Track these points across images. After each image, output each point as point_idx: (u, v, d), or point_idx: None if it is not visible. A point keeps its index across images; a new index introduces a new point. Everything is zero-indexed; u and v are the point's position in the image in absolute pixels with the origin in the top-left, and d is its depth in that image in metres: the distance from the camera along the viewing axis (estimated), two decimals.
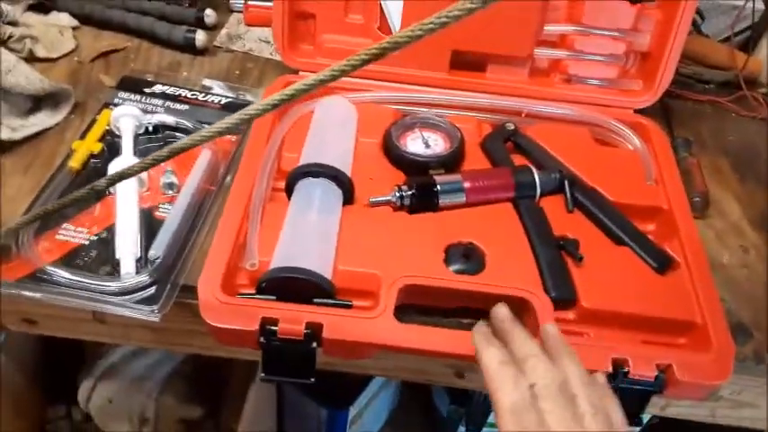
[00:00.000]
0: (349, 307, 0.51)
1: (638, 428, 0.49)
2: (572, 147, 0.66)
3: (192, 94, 0.72)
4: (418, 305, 0.55)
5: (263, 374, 0.52)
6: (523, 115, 0.70)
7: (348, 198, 0.59)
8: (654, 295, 0.55)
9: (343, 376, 0.72)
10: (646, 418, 0.50)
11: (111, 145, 0.64)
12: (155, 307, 0.52)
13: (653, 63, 0.70)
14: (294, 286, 0.50)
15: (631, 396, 0.50)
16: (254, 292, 0.51)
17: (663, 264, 0.57)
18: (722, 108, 0.81)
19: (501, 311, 0.46)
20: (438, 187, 0.59)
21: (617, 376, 0.49)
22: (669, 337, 0.54)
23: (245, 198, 0.57)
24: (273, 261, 0.52)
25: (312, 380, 0.52)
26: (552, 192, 0.62)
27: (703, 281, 0.56)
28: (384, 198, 0.59)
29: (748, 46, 0.88)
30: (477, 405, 0.92)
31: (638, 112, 0.71)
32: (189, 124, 0.67)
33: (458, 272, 0.55)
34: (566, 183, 0.62)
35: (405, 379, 0.94)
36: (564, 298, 0.54)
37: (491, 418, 0.95)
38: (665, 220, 0.61)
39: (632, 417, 0.51)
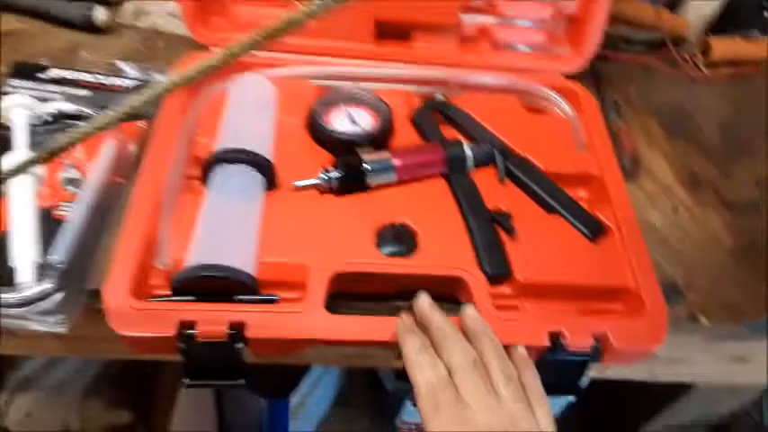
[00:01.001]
0: (275, 302, 0.48)
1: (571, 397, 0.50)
2: (502, 116, 0.65)
3: (95, 78, 0.66)
4: (352, 292, 0.53)
5: (186, 380, 0.48)
6: (452, 85, 0.67)
7: (270, 183, 0.55)
8: (587, 263, 0.54)
9: (282, 366, 0.70)
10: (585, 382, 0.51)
11: (2, 139, 0.58)
12: (61, 317, 0.48)
13: (580, 27, 0.69)
14: (213, 284, 0.47)
15: (570, 367, 0.50)
16: (169, 293, 0.47)
17: (595, 231, 0.57)
18: (651, 68, 0.81)
19: (420, 300, 0.48)
20: (366, 167, 0.56)
21: (555, 349, 0.48)
22: (604, 303, 0.54)
23: (155, 190, 0.52)
24: (188, 258, 0.48)
25: (242, 381, 0.49)
26: (484, 164, 0.60)
27: (635, 246, 0.55)
28: (309, 181, 0.56)
29: (673, 5, 0.88)
30: None
31: (567, 77, 0.70)
32: (91, 111, 0.61)
33: (390, 254, 0.52)
34: (497, 154, 0.60)
35: (345, 366, 0.92)
36: (499, 273, 0.52)
37: None
38: (596, 186, 0.60)
39: (572, 385, 0.51)
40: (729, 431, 0.86)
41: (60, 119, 0.61)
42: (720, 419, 0.84)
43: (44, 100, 0.62)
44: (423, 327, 0.46)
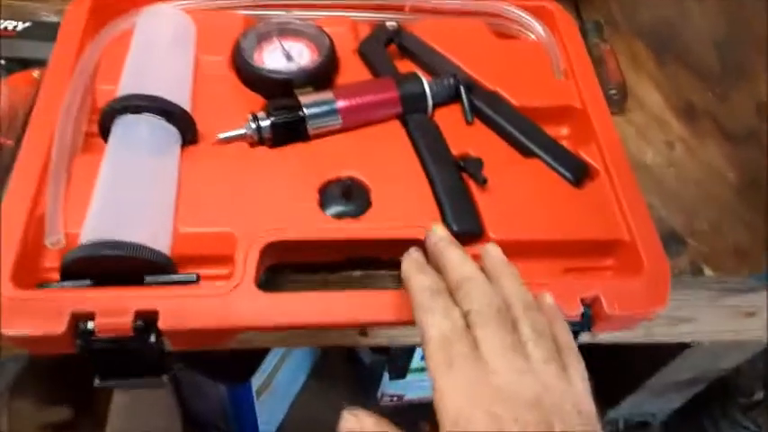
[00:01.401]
0: (194, 282, 0.39)
1: None
2: (467, 44, 0.55)
3: None
4: (295, 263, 0.44)
5: (96, 380, 0.40)
6: (407, 9, 0.57)
7: (187, 137, 0.46)
8: (572, 214, 0.46)
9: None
10: None
11: None
12: None
13: None
14: (115, 265, 0.38)
15: None
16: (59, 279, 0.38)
17: (579, 174, 0.48)
18: None
19: (435, 232, 0.38)
20: (305, 111, 0.47)
21: None
22: (594, 259, 0.46)
23: (43, 151, 0.42)
24: (83, 233, 0.39)
25: (164, 378, 0.40)
26: (447, 101, 0.51)
27: (627, 189, 0.47)
28: (236, 132, 0.46)
29: None
30: (397, 352, 0.84)
31: None
32: None
33: (337, 216, 0.44)
34: (462, 89, 0.51)
35: (302, 346, 0.84)
36: (468, 231, 0.44)
37: (414, 364, 0.88)
38: (578, 121, 0.52)
39: None
40: (735, 383, 0.82)
41: None
42: (725, 372, 0.78)
43: None
44: (436, 268, 0.37)
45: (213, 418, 0.82)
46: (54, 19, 0.56)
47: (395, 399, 0.99)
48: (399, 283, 0.45)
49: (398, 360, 0.87)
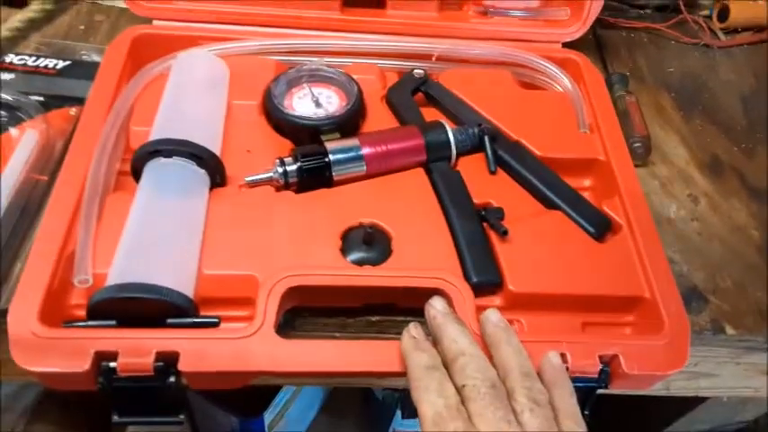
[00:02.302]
0: (215, 325, 0.40)
1: None
2: (492, 93, 0.56)
3: (21, 59, 0.57)
4: (313, 307, 0.45)
5: (114, 417, 0.40)
6: (434, 59, 0.58)
7: (217, 180, 0.47)
8: (593, 268, 0.46)
9: None
10: None
11: None
12: None
13: None
14: (139, 306, 0.38)
15: None
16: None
17: (602, 228, 0.48)
18: (660, 35, 0.72)
19: (434, 306, 0.39)
20: (330, 157, 0.48)
21: None
22: (614, 315, 0.46)
23: (77, 189, 0.44)
24: (110, 274, 0.40)
25: (181, 417, 0.41)
26: (471, 150, 0.52)
27: (649, 245, 0.47)
28: (263, 175, 0.47)
29: None
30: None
31: (566, 46, 0.61)
32: (10, 97, 0.52)
33: (357, 262, 0.44)
34: (486, 138, 0.51)
35: (316, 385, 0.84)
36: (487, 282, 0.44)
37: None
38: (602, 174, 0.52)
39: None
40: None
41: None
42: (743, 425, 0.76)
43: None
44: (434, 340, 0.38)
45: None
46: (94, 58, 0.58)
47: None
48: None
49: (412, 401, 0.86)
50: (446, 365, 0.36)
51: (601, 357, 0.40)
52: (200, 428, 0.80)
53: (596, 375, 0.40)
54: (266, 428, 0.79)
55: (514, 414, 0.33)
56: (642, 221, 0.48)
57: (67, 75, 0.57)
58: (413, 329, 0.38)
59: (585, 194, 0.51)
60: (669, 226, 0.53)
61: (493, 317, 0.39)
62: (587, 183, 0.53)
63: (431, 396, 0.34)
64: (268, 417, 0.77)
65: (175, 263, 0.41)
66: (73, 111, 0.53)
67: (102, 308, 0.38)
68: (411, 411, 0.88)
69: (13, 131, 0.50)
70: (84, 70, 0.56)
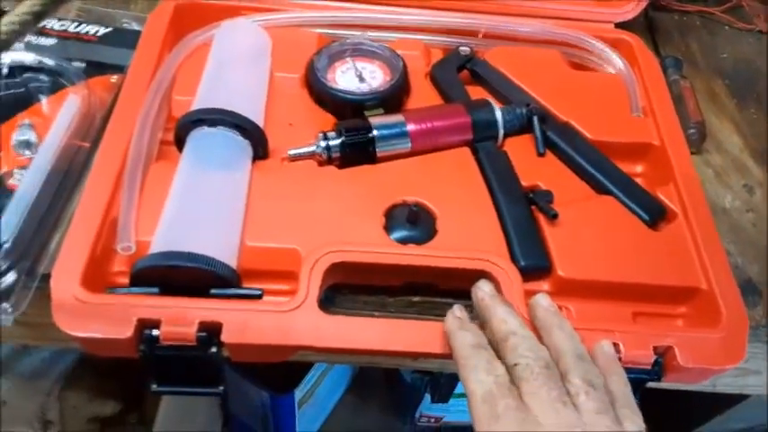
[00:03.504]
0: (258, 297, 0.39)
1: None
2: (541, 73, 0.54)
3: (62, 25, 0.56)
4: (355, 284, 0.44)
5: (153, 386, 0.40)
6: (481, 35, 0.56)
7: (260, 152, 0.46)
8: (646, 256, 0.44)
9: None
10: None
11: None
12: (7, 305, 0.40)
13: None
14: (182, 275, 0.38)
15: None
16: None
17: (656, 215, 0.46)
18: (715, 20, 0.69)
19: (481, 288, 0.38)
20: (375, 132, 0.47)
21: None
22: (666, 306, 0.44)
23: (119, 157, 0.43)
24: (154, 242, 0.39)
25: (220, 389, 0.40)
26: (518, 131, 0.50)
27: (706, 234, 0.45)
28: (306, 149, 0.46)
29: None
30: (442, 376, 0.83)
31: (618, 26, 0.58)
32: (52, 63, 0.52)
33: (401, 240, 0.43)
34: (534, 119, 0.50)
35: (353, 363, 0.83)
36: (535, 266, 0.43)
37: (459, 389, 0.86)
38: (656, 159, 0.50)
39: None
40: None
41: (19, 71, 0.52)
42: None
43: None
44: (481, 323, 0.37)
45: (253, 421, 0.82)
46: (134, 27, 0.58)
47: (432, 420, 0.97)
48: None
49: (443, 385, 0.85)
50: (495, 347, 0.34)
51: (655, 348, 0.39)
52: (231, 402, 0.80)
53: (650, 367, 0.39)
54: (296, 405, 0.79)
55: (569, 396, 0.32)
56: (698, 210, 0.46)
57: (108, 42, 0.56)
58: (457, 311, 0.37)
59: (638, 180, 0.49)
60: (724, 216, 0.51)
61: (543, 301, 0.38)
62: (639, 168, 0.51)
63: (480, 374, 0.32)
64: (298, 394, 0.77)
65: (219, 233, 0.40)
66: (114, 78, 0.53)
67: (145, 275, 0.38)
68: (441, 395, 0.87)
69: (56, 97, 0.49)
70: (125, 38, 0.56)
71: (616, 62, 0.54)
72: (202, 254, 0.37)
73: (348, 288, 0.44)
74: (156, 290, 0.38)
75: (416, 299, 0.44)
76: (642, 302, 0.43)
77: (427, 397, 0.89)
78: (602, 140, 0.50)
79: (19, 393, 0.63)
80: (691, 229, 0.45)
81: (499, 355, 0.34)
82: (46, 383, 0.63)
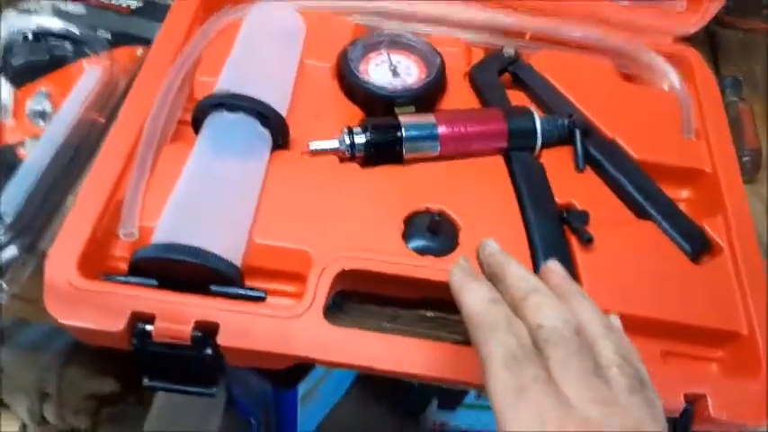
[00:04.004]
0: (261, 300, 0.37)
1: None
2: (589, 82, 0.50)
3: None
4: (367, 293, 0.41)
5: (145, 380, 0.38)
6: (528, 37, 0.53)
7: (281, 141, 0.43)
8: (684, 292, 0.40)
9: None
10: None
11: None
12: (2, 281, 0.38)
13: None
14: (183, 269, 0.35)
15: None
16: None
17: (699, 247, 0.43)
18: None
19: (488, 244, 0.32)
20: (403, 132, 0.44)
21: None
22: (700, 348, 0.40)
23: (133, 136, 0.41)
24: (157, 230, 0.37)
25: (213, 390, 0.38)
26: (558, 142, 0.47)
27: (752, 274, 0.41)
28: (329, 145, 0.44)
29: None
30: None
31: (678, 40, 0.54)
32: (77, 31, 0.50)
33: (419, 250, 0.40)
34: (577, 132, 0.46)
35: (355, 370, 0.81)
36: None
37: (468, 400, 0.83)
38: (706, 187, 0.46)
39: None
40: None
41: (44, 38, 0.51)
42: None
43: (27, 12, 0.51)
44: (494, 279, 0.31)
45: (254, 410, 0.81)
46: (169, 1, 0.55)
47: (437, 424, 0.94)
48: None
49: (451, 394, 0.82)
50: (513, 305, 0.28)
51: (686, 396, 0.35)
52: (233, 384, 0.79)
53: (677, 415, 0.35)
54: (299, 400, 0.77)
55: (601, 369, 0.26)
56: (747, 246, 0.42)
57: (141, 15, 0.54)
58: (464, 262, 0.31)
59: (683, 207, 0.45)
60: None
61: (555, 267, 0.31)
62: (685, 194, 0.47)
63: (499, 333, 0.26)
64: (302, 388, 0.75)
65: (226, 227, 0.38)
66: (140, 51, 0.51)
67: (143, 266, 0.36)
68: (450, 403, 0.84)
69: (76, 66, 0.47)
70: (159, 12, 0.53)
71: (672, 77, 0.50)
72: (205, 249, 0.35)
73: (359, 295, 0.41)
74: (154, 282, 0.36)
75: (430, 314, 0.42)
76: (674, 341, 0.40)
77: (434, 403, 0.86)
78: (649, 161, 0.46)
79: (18, 364, 0.62)
80: (736, 266, 0.41)
81: (519, 316, 0.28)
82: (46, 356, 0.62)
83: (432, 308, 0.41)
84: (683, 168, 0.46)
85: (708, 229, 0.43)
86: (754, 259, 0.42)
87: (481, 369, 0.26)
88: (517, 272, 0.29)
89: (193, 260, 0.35)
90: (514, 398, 0.24)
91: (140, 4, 0.55)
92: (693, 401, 0.36)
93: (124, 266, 0.38)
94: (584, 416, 0.24)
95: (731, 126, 0.49)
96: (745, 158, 0.50)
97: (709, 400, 0.35)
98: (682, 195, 0.47)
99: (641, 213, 0.44)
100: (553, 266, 0.31)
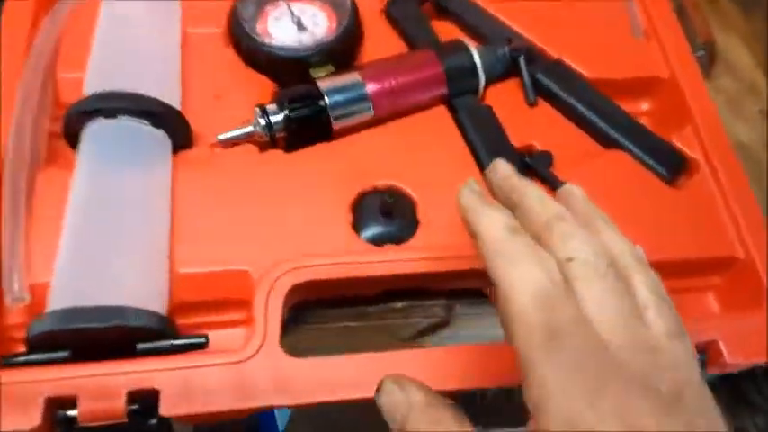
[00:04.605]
0: (201, 346, 0.30)
1: None
2: None
3: None
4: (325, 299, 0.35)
5: None
6: None
7: (181, 141, 0.36)
8: (667, 220, 0.37)
9: None
10: None
11: None
12: None
13: None
14: (96, 334, 0.28)
15: None
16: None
17: (675, 167, 0.39)
18: None
19: (501, 165, 0.27)
20: (326, 99, 0.37)
21: None
22: (698, 281, 0.37)
23: None
24: (52, 290, 0.30)
25: None
26: (501, 77, 0.41)
27: (737, 187, 0.38)
28: (241, 131, 0.36)
29: None
30: None
31: None
32: None
33: (375, 240, 0.34)
34: (521, 60, 0.40)
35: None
36: None
37: None
38: (666, 95, 0.42)
39: None
40: None
41: None
42: None
43: None
44: (509, 205, 0.26)
45: None
46: None
47: None
48: (450, 312, 0.38)
49: None
50: (534, 234, 0.24)
51: (697, 345, 0.32)
52: None
53: None
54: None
55: (637, 308, 0.22)
56: (724, 155, 0.39)
57: None
58: (474, 184, 0.26)
59: (645, 122, 0.41)
60: (741, 152, 0.44)
61: (577, 191, 0.27)
62: (646, 107, 0.43)
63: (526, 265, 0.22)
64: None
65: (139, 265, 0.31)
66: None
67: (46, 339, 0.29)
68: None
69: None
70: None
71: None
72: (118, 305, 0.28)
73: (316, 303, 0.35)
74: (65, 354, 0.29)
75: (400, 304, 0.36)
76: (667, 280, 0.36)
77: None
78: (602, 77, 0.41)
79: None
80: (718, 181, 0.38)
81: (544, 246, 0.24)
82: None
83: (400, 298, 0.36)
84: (640, 79, 0.41)
85: (678, 144, 0.39)
86: (735, 169, 0.38)
87: (499, 306, 0.22)
88: (538, 196, 0.25)
89: (106, 324, 0.28)
90: (548, 346, 0.21)
91: None
92: (704, 350, 0.33)
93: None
94: (628, 364, 0.20)
95: (678, 19, 0.44)
96: (700, 53, 0.45)
97: (721, 345, 0.32)
98: (642, 108, 0.42)
99: (606, 141, 0.39)
100: (574, 190, 0.27)
